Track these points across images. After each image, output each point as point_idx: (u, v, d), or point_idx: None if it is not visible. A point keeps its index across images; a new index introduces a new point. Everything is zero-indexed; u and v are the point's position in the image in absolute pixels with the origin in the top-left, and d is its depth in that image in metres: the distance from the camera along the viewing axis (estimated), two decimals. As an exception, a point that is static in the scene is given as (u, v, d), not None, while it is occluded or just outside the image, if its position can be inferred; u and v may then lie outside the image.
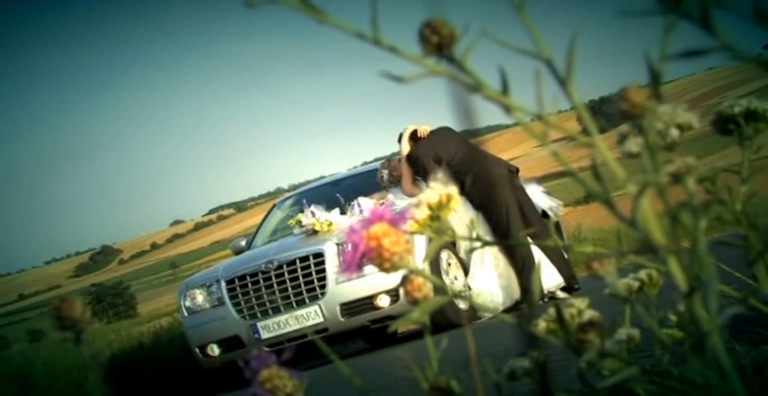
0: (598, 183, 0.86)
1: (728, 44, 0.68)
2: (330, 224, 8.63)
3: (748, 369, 1.57)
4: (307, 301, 8.19)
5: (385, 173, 9.03)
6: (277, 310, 8.28)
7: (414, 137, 8.90)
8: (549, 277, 8.47)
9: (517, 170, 8.97)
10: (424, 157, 8.64)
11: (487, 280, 8.06)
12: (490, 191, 7.82)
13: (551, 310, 1.51)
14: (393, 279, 6.64)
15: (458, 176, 8.28)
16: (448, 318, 7.46)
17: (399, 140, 9.01)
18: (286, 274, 8.28)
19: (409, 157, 8.76)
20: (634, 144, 0.91)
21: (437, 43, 0.82)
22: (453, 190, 1.21)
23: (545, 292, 8.41)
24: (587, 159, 0.99)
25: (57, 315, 0.91)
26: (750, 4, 0.78)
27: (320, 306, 8.14)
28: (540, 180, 10.86)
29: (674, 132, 1.00)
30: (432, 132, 8.92)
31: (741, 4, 0.76)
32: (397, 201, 8.50)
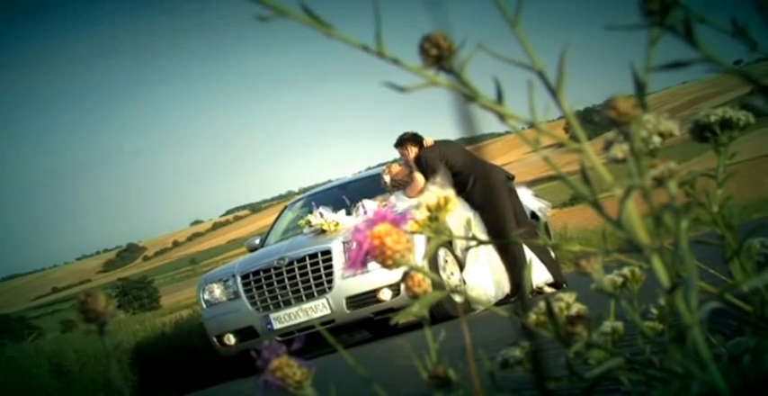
0: (586, 186, 0.84)
1: (710, 56, 0.67)
2: (337, 224, 8.63)
3: (724, 359, 1.56)
4: (315, 294, 8.19)
5: (387, 177, 9.02)
6: (288, 303, 8.27)
7: (419, 144, 8.90)
8: (538, 274, 8.47)
9: (513, 177, 8.98)
10: (432, 160, 8.64)
11: (481, 275, 8.05)
12: (489, 193, 7.84)
13: (541, 304, 1.49)
14: (395, 275, 6.63)
15: (461, 178, 8.31)
16: (445, 310, 7.44)
17: (397, 146, 9.00)
18: (296, 270, 8.28)
19: (418, 160, 8.75)
20: (619, 150, 0.90)
21: (437, 56, 0.80)
22: (451, 193, 1.19)
23: (534, 287, 8.41)
24: (573, 165, 0.98)
25: (82, 308, 0.90)
26: (728, 21, 0.77)
27: (328, 299, 8.13)
28: (529, 184, 10.85)
29: (657, 139, 0.99)
30: (436, 142, 8.94)
31: (720, 19, 0.75)
32: (398, 203, 8.49)
